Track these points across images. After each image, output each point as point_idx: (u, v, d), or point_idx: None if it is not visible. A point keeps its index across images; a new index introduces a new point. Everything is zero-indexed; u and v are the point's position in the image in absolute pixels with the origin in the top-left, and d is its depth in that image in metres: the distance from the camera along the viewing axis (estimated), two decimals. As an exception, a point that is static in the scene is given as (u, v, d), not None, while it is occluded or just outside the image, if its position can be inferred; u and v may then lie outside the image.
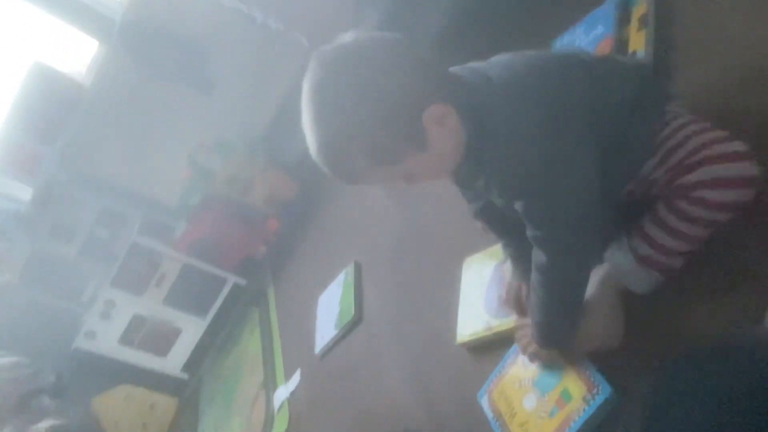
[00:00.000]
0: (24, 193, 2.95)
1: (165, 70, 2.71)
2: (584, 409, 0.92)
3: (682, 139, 0.85)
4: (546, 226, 0.84)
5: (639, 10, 1.22)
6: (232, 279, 2.87)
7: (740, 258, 0.85)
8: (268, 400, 2.02)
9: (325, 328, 1.84)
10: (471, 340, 1.24)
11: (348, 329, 1.72)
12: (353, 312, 1.71)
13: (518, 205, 0.86)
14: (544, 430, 0.98)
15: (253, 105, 2.94)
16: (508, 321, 1.16)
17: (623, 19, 1.25)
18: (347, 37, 0.81)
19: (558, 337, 0.95)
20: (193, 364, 3.02)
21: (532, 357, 1.01)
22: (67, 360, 2.91)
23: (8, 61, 2.91)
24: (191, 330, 2.94)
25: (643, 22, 1.20)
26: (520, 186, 0.84)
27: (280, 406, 1.91)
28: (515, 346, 1.08)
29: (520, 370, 1.08)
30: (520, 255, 1.09)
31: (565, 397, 0.97)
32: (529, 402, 1.03)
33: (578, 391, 0.95)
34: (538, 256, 0.88)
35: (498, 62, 0.89)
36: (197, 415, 2.69)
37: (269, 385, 2.07)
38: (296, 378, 1.91)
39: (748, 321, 0.78)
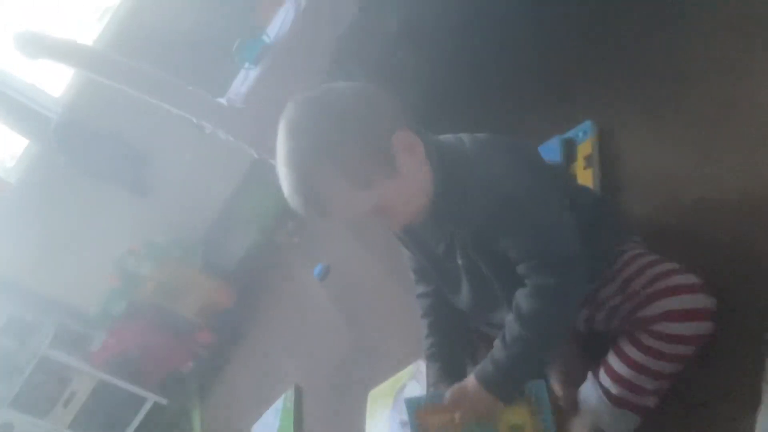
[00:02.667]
0: None
1: (99, 170, 2.60)
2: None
3: (639, 269, 0.86)
4: (538, 250, 0.83)
5: (584, 148, 1.28)
6: (152, 398, 2.61)
7: (708, 394, 0.83)
8: None
9: (259, 464, 1.65)
10: None
11: (286, 468, 1.55)
12: (293, 446, 1.55)
13: (505, 244, 0.84)
14: None
15: (192, 208, 2.84)
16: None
17: (570, 156, 1.30)
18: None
19: (521, 384, 0.87)
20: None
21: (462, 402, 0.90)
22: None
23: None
24: (99, 459, 2.59)
25: (588, 161, 1.25)
26: (501, 223, 0.83)
27: None
28: None
29: None
30: (445, 338, 1.03)
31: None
32: None
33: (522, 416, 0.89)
34: (531, 300, 0.83)
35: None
36: None
37: None
38: None
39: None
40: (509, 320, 0.84)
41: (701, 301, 0.80)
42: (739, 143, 1.01)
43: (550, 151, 1.33)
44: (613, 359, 0.85)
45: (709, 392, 0.83)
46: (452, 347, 1.02)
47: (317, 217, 0.85)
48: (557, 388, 0.95)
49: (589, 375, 0.89)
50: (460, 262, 0.91)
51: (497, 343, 0.85)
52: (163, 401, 2.62)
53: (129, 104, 1.92)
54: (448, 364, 1.01)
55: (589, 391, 0.89)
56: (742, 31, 1.13)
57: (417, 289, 1.07)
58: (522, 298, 0.83)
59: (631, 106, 1.26)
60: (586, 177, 1.23)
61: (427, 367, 1.06)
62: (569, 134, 1.32)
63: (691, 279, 0.82)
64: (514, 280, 0.85)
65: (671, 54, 1.24)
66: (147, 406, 2.60)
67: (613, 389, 0.85)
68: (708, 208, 0.98)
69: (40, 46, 1.61)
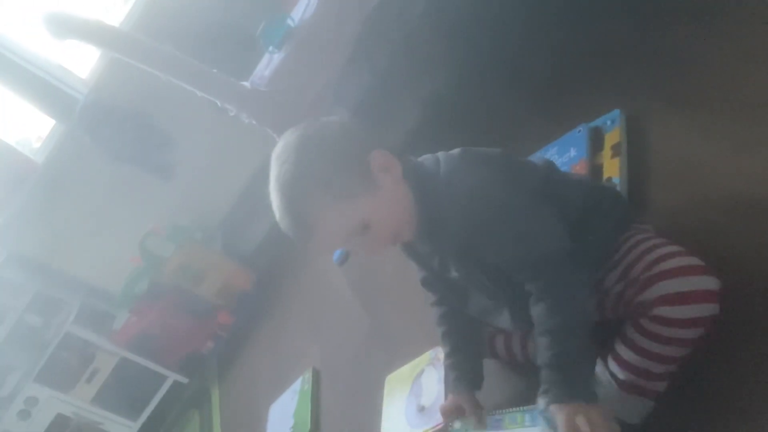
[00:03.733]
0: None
1: (125, 153, 2.63)
2: None
3: (640, 254, 0.85)
4: (522, 258, 0.85)
5: (611, 137, 1.25)
6: (172, 376, 2.65)
7: (724, 379, 0.82)
8: None
9: (277, 444, 1.67)
10: None
11: (303, 447, 1.57)
12: (309, 427, 1.56)
13: (492, 258, 0.88)
14: None
15: (213, 191, 2.87)
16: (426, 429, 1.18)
17: (596, 145, 1.27)
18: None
19: (585, 376, 0.82)
20: (118, 473, 2.69)
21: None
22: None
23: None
24: (120, 434, 2.65)
25: (615, 150, 1.22)
26: (481, 239, 0.86)
27: None
28: None
29: None
30: (459, 347, 1.06)
31: None
32: None
33: None
34: (540, 304, 0.84)
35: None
36: None
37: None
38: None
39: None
40: (536, 335, 0.85)
41: (699, 282, 0.78)
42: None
43: (576, 139, 1.31)
44: (619, 345, 0.86)
45: (724, 377, 0.82)
46: (467, 355, 1.05)
47: (306, 237, 0.90)
48: None
49: (599, 362, 0.90)
50: (455, 275, 0.94)
51: (540, 365, 0.83)
52: (184, 380, 2.67)
53: (154, 86, 1.94)
54: (464, 372, 1.04)
55: (599, 378, 0.89)
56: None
57: (429, 299, 1.10)
58: (533, 309, 0.85)
59: (661, 96, 1.24)
60: (613, 166, 1.20)
61: (446, 376, 1.10)
62: (596, 122, 1.30)
63: (689, 261, 0.80)
64: (513, 283, 0.88)
65: (703, 44, 1.21)
66: (167, 384, 2.65)
67: (621, 375, 0.85)
68: (738, 201, 0.96)
69: (67, 27, 1.62)
